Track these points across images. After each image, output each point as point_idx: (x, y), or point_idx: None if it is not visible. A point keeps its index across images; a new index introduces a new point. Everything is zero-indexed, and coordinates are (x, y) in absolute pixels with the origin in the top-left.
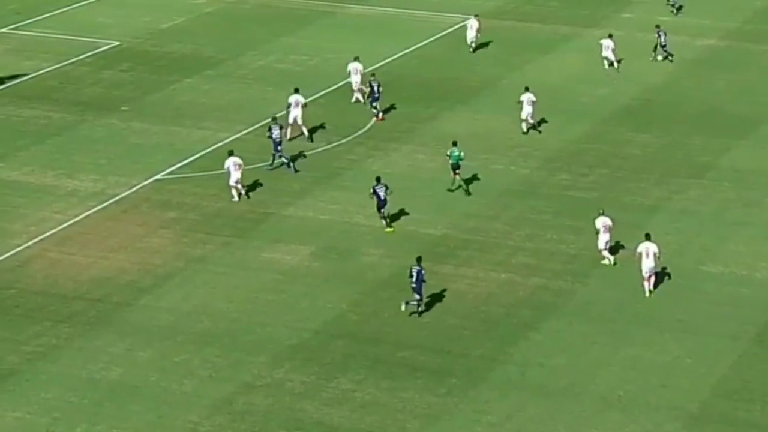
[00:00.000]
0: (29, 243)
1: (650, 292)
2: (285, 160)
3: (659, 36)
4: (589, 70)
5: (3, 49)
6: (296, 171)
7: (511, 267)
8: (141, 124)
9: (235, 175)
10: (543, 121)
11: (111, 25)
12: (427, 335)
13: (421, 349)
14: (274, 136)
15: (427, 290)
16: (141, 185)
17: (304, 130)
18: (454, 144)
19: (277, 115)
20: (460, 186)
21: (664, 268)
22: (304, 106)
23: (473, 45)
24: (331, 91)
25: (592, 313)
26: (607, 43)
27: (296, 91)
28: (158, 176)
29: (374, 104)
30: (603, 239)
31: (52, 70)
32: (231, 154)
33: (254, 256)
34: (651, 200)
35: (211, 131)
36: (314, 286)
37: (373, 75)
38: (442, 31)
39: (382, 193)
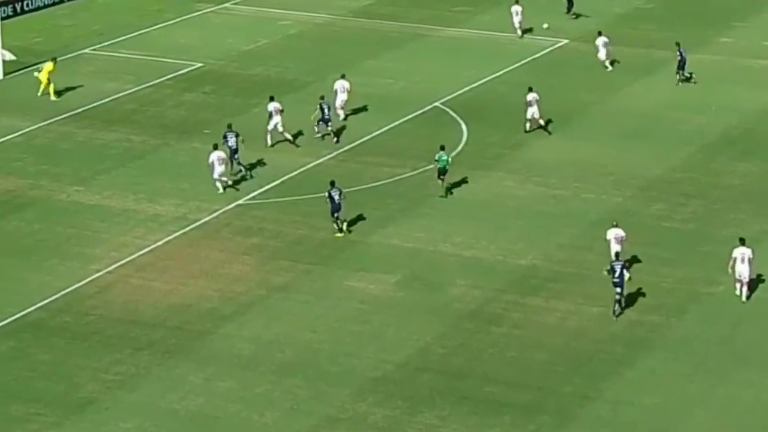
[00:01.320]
0: (110, 268)
1: (747, 298)
2: (242, 169)
3: (680, 55)
4: (686, 96)
5: (85, 71)
6: (252, 177)
7: (604, 300)
8: (224, 147)
9: (219, 169)
10: (636, 147)
11: (193, 47)
12: (516, 370)
13: (510, 385)
14: (229, 143)
15: (514, 324)
16: (223, 210)
17: (287, 136)
18: (442, 148)
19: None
20: (446, 193)
21: (759, 275)
22: (281, 111)
23: (607, 63)
24: (416, 116)
25: (688, 349)
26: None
27: (272, 99)
28: (240, 201)
29: (326, 125)
30: (613, 250)
31: (134, 92)
32: (215, 148)
33: (337, 285)
34: (750, 233)
35: (294, 156)
36: (399, 317)
37: (322, 97)
38: (531, 56)
39: (336, 197)
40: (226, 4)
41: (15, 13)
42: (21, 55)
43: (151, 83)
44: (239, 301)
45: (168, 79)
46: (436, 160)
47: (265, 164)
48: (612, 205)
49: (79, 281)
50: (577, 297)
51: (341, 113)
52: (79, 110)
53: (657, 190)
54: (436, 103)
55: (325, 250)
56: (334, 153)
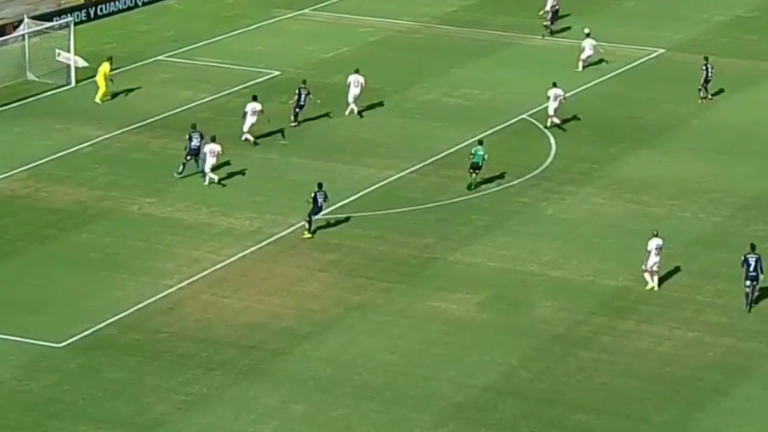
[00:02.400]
0: (182, 284)
1: (750, 306)
2: (205, 171)
3: (706, 70)
4: None
5: (160, 78)
6: (212, 182)
7: (700, 325)
8: (300, 159)
9: (210, 161)
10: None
11: (270, 54)
12: (606, 397)
13: (599, 413)
14: (193, 144)
15: (604, 348)
16: (299, 225)
17: (250, 138)
18: (480, 143)
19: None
20: (477, 183)
21: None
22: (261, 112)
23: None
24: (502, 129)
25: None
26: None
27: (254, 98)
28: (317, 216)
29: (297, 111)
30: (652, 260)
31: (209, 100)
32: (213, 140)
33: (418, 305)
34: None
35: (374, 168)
36: (482, 339)
37: (303, 82)
38: (625, 66)
39: (320, 200)
40: (305, 11)
41: (89, 18)
42: (94, 62)
43: (227, 92)
44: (315, 320)
45: (244, 88)
46: (471, 154)
47: (343, 176)
48: (709, 224)
49: (151, 297)
50: (670, 321)
51: (354, 108)
52: (153, 119)
53: (757, 209)
54: (524, 116)
55: (405, 267)
56: (418, 166)
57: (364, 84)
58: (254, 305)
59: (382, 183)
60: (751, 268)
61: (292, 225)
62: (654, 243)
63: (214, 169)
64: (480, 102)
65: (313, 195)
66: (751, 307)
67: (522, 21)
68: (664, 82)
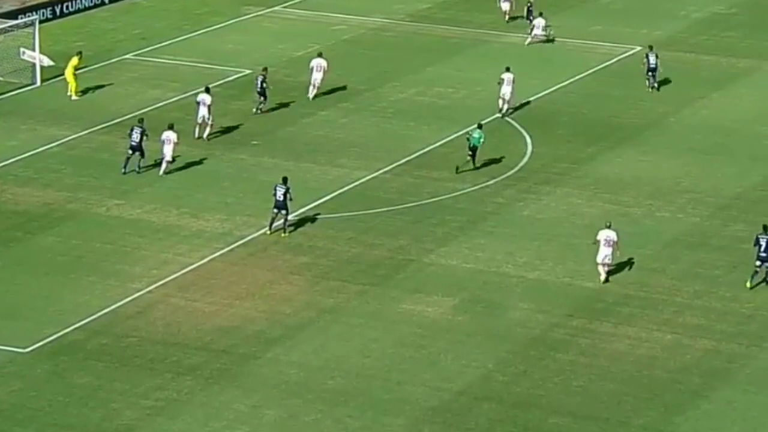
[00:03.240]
0: (150, 287)
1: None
2: (138, 167)
3: (648, 59)
4: None
5: (127, 77)
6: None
7: (678, 327)
8: (272, 159)
9: (167, 149)
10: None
11: (241, 53)
12: (583, 401)
13: (576, 417)
14: (133, 138)
15: (581, 351)
16: None
17: (207, 130)
18: (479, 126)
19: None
20: (471, 167)
21: None
22: (209, 107)
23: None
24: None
25: None
26: None
27: (207, 90)
28: (289, 217)
29: (262, 98)
30: (603, 253)
31: (178, 99)
32: (171, 128)
33: (392, 307)
34: None
35: (347, 169)
36: (457, 342)
37: (264, 69)
38: (602, 63)
39: (279, 194)
40: (276, 8)
41: (54, 16)
42: (60, 61)
43: (196, 91)
44: (287, 324)
45: (214, 86)
46: (467, 138)
47: (316, 177)
48: (688, 224)
49: (118, 301)
50: (648, 323)
51: (312, 92)
52: (121, 119)
53: (737, 209)
54: (498, 114)
55: (379, 270)
56: (391, 166)
57: (326, 68)
58: (224, 309)
59: (356, 183)
60: (762, 248)
61: (263, 227)
62: (603, 234)
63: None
64: (454, 101)
65: (274, 188)
66: (756, 284)
67: (496, 19)
68: (642, 80)
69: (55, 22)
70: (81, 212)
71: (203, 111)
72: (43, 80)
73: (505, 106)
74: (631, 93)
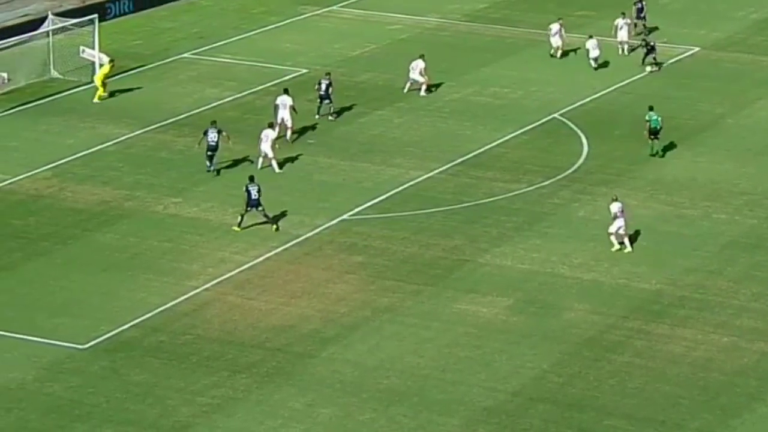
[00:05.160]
0: (207, 285)
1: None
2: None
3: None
4: None
5: (185, 76)
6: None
7: (735, 330)
8: (327, 159)
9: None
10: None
11: (297, 52)
12: (638, 403)
13: (631, 419)
14: (210, 137)
15: (637, 353)
16: (325, 226)
17: (289, 132)
18: (651, 109)
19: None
20: (657, 152)
21: None
22: (293, 108)
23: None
24: (533, 128)
25: None
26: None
27: (285, 92)
28: (344, 216)
29: (322, 104)
30: (617, 224)
31: (235, 99)
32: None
33: (446, 307)
34: None
35: (402, 169)
36: (512, 343)
37: (328, 74)
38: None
39: (254, 192)
40: (333, 7)
41: (113, 15)
42: (119, 59)
43: (253, 90)
44: (342, 323)
45: (271, 86)
46: (647, 120)
47: (371, 176)
48: (745, 227)
49: (175, 299)
50: (705, 325)
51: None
52: (178, 118)
53: None
54: (555, 115)
55: (434, 269)
56: (446, 166)
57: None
58: (280, 307)
59: (411, 183)
60: None
61: (319, 226)
62: (616, 206)
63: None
64: (510, 101)
65: (245, 188)
66: None
67: (553, 18)
68: (700, 81)
69: (114, 20)
70: (138, 210)
71: (283, 113)
72: None
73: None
74: (688, 94)
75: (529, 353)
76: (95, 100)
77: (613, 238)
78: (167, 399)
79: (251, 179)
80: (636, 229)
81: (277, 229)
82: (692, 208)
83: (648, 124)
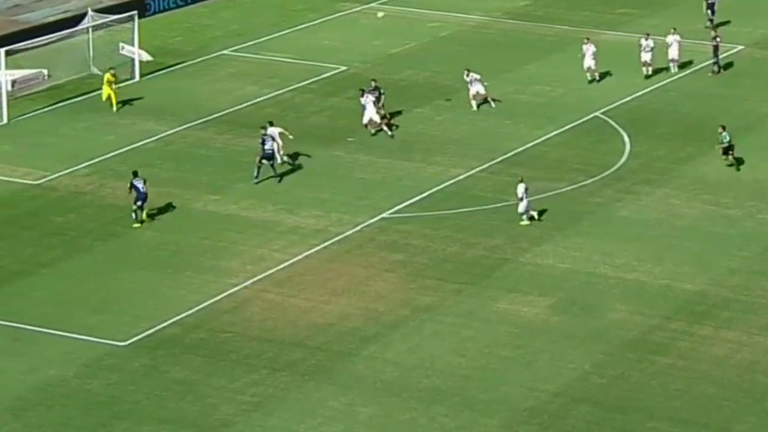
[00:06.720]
0: (246, 283)
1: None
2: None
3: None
4: None
5: (225, 73)
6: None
7: None
8: (367, 157)
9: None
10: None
11: (337, 49)
12: (682, 405)
13: (674, 421)
14: (267, 145)
15: (680, 354)
16: (366, 224)
17: (383, 125)
18: (723, 128)
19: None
20: (732, 164)
21: None
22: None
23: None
24: (574, 127)
25: None
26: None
27: (364, 92)
28: (384, 215)
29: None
30: (523, 205)
31: (275, 96)
32: (271, 124)
33: (487, 306)
34: None
35: (442, 167)
36: (553, 343)
37: (373, 80)
38: (704, 62)
39: (140, 186)
40: (373, 4)
41: (153, 12)
42: (159, 56)
43: (292, 87)
44: (383, 322)
45: (311, 83)
46: (720, 143)
47: (411, 174)
48: None
49: (215, 296)
50: (750, 327)
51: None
52: (218, 115)
53: None
54: (597, 113)
55: (475, 268)
56: (487, 164)
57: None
58: (320, 305)
59: (451, 181)
60: None
61: (359, 224)
62: (521, 187)
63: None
64: (551, 99)
65: (130, 184)
66: None
67: (593, 16)
68: (744, 80)
69: (153, 17)
70: (178, 207)
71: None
72: (141, 75)
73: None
74: (732, 92)
75: (571, 354)
76: (114, 109)
77: (524, 217)
78: (207, 397)
79: (135, 174)
80: (679, 229)
81: (140, 226)
82: (736, 208)
83: (720, 145)
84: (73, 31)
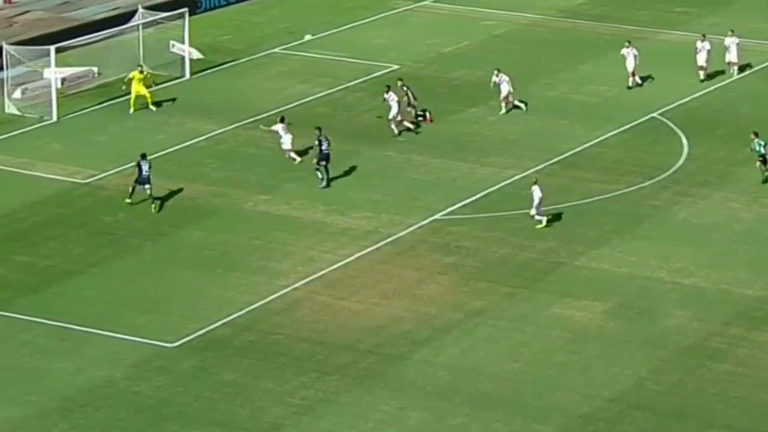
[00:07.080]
0: (297, 284)
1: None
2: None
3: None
4: None
5: (275, 72)
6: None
7: None
8: (419, 157)
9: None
10: None
11: (389, 48)
12: (741, 413)
13: (733, 429)
14: (323, 147)
15: (740, 361)
16: (418, 225)
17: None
18: (756, 134)
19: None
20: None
21: None
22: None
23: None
24: (631, 128)
25: None
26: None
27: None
28: (437, 216)
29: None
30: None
31: (325, 95)
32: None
33: (541, 311)
34: None
35: (496, 168)
36: (609, 348)
37: (400, 79)
38: (764, 62)
39: (144, 168)
40: (425, 2)
41: (203, 9)
42: (208, 54)
43: (344, 86)
44: (435, 325)
45: (362, 82)
46: (750, 150)
47: (465, 175)
48: None
49: (265, 297)
50: None
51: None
52: (268, 113)
53: None
54: (654, 114)
55: (528, 272)
56: (541, 165)
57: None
58: (371, 308)
59: (505, 183)
60: None
61: (411, 226)
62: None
63: None
64: (607, 99)
65: (137, 162)
66: None
67: (651, 15)
68: None
69: (203, 14)
70: (227, 207)
71: (395, 108)
72: (192, 73)
73: (702, 73)
74: None
75: (627, 360)
76: (151, 107)
77: (537, 217)
78: (257, 399)
79: (143, 156)
80: (738, 233)
81: (157, 210)
82: None
83: (755, 152)
84: (123, 29)
